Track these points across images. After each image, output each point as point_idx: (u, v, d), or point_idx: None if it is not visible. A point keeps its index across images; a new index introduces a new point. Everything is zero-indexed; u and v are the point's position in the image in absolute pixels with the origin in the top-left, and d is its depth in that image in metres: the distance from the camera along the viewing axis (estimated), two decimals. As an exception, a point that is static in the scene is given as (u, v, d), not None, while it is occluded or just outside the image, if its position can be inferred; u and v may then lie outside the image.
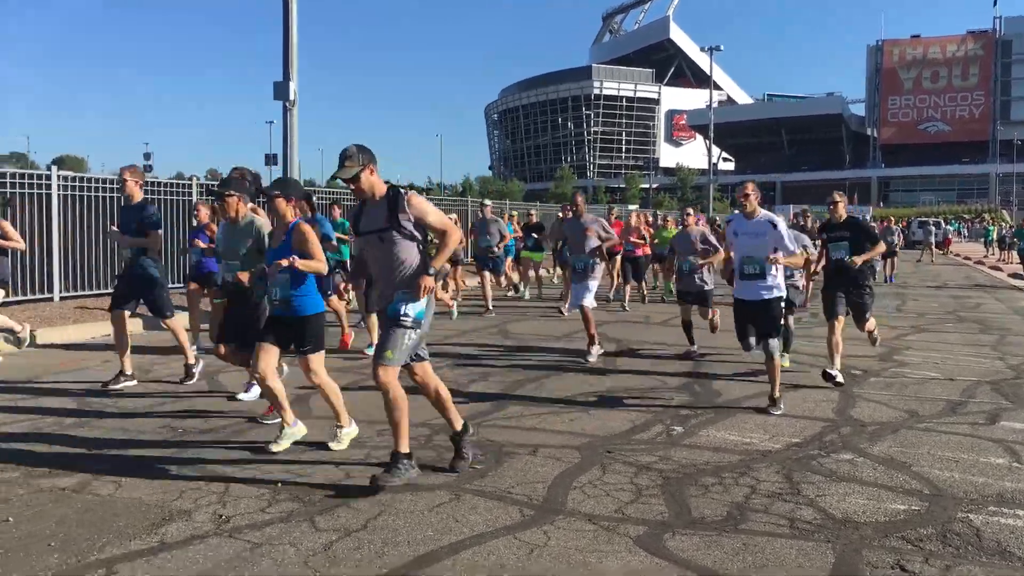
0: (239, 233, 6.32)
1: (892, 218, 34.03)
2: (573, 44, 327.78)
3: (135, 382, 7.74)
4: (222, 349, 6.31)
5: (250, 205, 6.58)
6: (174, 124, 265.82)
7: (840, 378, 7.79)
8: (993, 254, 38.02)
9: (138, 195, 7.85)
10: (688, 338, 9.87)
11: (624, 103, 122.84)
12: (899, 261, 23.44)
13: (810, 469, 5.29)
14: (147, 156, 76.88)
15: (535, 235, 16.84)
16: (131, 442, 5.79)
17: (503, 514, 4.43)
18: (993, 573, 3.77)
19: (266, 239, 6.13)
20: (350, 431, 5.75)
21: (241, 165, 6.88)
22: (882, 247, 8.64)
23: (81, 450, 5.54)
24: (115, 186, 13.54)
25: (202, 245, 9.29)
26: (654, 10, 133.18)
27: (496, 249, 14.68)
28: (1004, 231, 39.45)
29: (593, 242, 9.70)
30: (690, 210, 11.47)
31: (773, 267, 7.09)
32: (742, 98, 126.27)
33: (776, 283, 7.19)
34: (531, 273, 17.26)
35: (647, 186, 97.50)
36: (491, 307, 13.98)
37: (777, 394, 6.98)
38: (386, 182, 5.03)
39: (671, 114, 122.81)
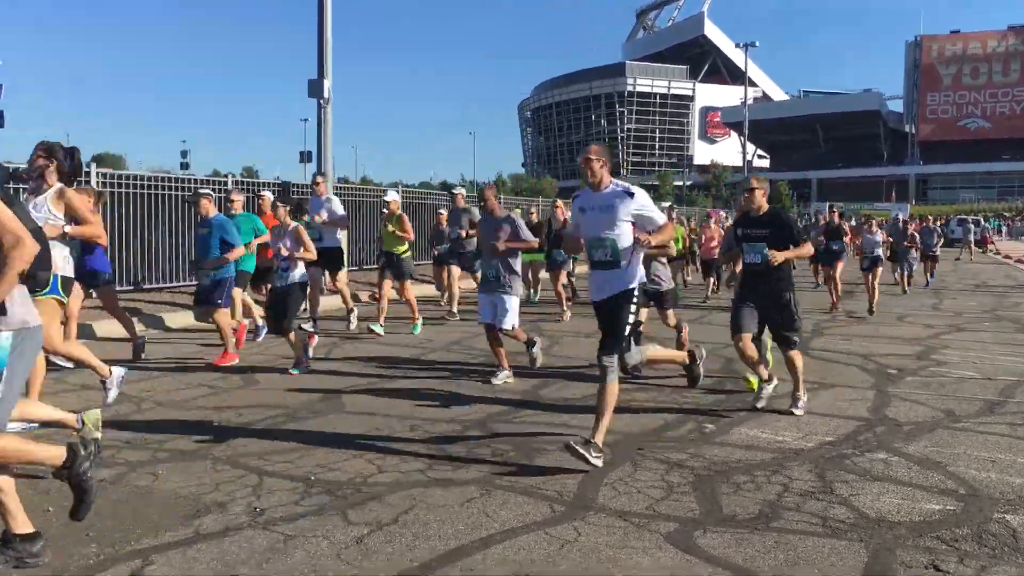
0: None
1: (931, 216, 33.17)
2: (607, 41, 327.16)
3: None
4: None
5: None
6: (208, 123, 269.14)
7: (798, 408, 6.67)
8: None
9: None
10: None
11: (658, 100, 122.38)
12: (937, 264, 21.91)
13: (843, 468, 5.24)
14: (184, 154, 77.39)
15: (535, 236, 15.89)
16: (167, 434, 5.88)
17: (533, 509, 4.44)
18: (1030, 575, 3.71)
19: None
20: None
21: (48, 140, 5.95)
22: (810, 248, 6.87)
23: (118, 442, 5.64)
24: (151, 183, 13.90)
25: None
26: (688, 6, 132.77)
27: (463, 238, 13.12)
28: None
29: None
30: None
31: (632, 252, 5.39)
32: (777, 95, 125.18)
33: (633, 271, 5.44)
34: (528, 275, 15.63)
35: (680, 183, 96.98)
36: (455, 310, 12.80)
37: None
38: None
39: (705, 111, 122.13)
